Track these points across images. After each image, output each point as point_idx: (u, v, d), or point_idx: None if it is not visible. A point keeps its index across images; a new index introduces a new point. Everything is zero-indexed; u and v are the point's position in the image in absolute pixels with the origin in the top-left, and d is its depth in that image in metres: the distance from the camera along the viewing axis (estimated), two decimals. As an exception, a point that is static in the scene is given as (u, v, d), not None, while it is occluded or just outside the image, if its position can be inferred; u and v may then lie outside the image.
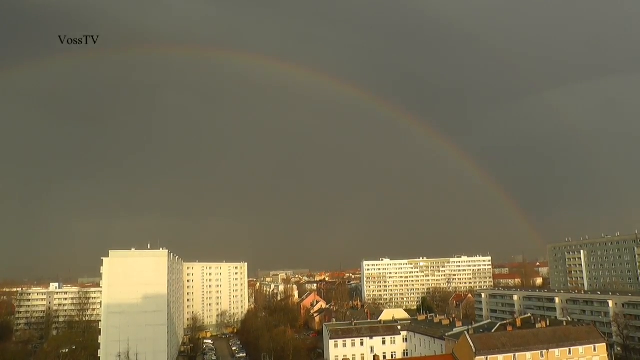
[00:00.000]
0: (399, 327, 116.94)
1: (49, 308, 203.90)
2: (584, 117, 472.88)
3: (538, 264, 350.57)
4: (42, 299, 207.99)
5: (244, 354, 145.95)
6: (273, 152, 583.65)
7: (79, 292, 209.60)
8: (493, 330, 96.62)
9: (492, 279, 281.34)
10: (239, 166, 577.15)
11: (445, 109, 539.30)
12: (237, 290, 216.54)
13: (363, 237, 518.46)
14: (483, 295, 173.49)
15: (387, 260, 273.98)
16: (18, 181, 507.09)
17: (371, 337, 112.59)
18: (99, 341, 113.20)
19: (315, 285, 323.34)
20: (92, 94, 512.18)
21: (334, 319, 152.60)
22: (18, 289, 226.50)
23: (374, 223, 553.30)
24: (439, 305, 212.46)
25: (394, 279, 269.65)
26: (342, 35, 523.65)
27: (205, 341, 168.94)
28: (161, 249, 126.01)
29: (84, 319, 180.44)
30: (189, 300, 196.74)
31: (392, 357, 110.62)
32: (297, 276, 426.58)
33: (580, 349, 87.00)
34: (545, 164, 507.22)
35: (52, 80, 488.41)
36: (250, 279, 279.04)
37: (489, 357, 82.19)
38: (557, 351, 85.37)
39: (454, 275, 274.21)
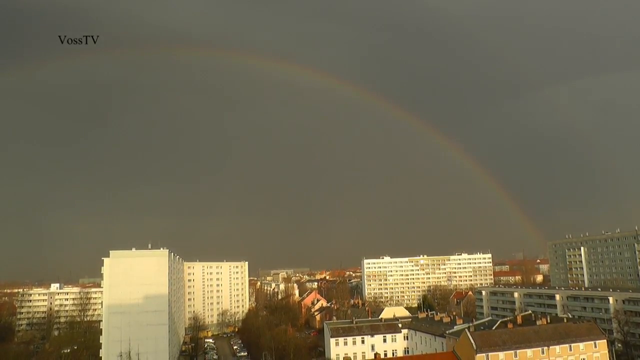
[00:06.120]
0: (400, 325, 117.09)
1: (50, 309, 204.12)
2: (584, 114, 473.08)
3: (538, 260, 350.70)
4: (43, 300, 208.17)
5: (245, 353, 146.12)
6: (273, 151, 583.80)
7: (79, 293, 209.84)
8: (494, 328, 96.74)
9: (492, 276, 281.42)
10: (239, 165, 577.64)
11: (445, 106, 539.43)
12: (237, 290, 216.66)
13: (363, 236, 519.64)
14: (483, 292, 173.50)
15: (387, 259, 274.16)
16: (18, 182, 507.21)
17: (372, 335, 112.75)
18: (101, 341, 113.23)
19: (315, 283, 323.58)
20: (92, 94, 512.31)
21: (334, 318, 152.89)
22: (19, 290, 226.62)
23: (374, 221, 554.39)
24: (440, 303, 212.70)
25: (394, 277, 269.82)
26: (344, 35, 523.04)
27: (206, 340, 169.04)
28: (162, 249, 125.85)
29: (85, 319, 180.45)
30: (189, 299, 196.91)
31: (393, 355, 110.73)
32: (297, 275, 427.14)
33: (581, 345, 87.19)
34: (545, 160, 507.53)
35: (52, 80, 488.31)
36: (251, 278, 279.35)
37: (489, 354, 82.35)
38: (557, 348, 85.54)
39: (455, 272, 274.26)
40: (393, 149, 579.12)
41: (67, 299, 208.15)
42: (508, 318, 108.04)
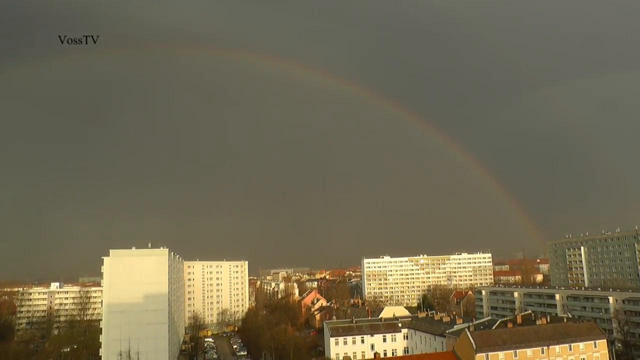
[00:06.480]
0: (400, 325, 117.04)
1: (50, 307, 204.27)
2: (585, 114, 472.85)
3: (538, 260, 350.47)
4: (43, 299, 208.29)
5: (245, 352, 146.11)
6: (273, 151, 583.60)
7: (79, 292, 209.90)
8: (494, 327, 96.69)
9: (492, 276, 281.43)
10: (239, 165, 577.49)
11: (445, 105, 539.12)
12: (237, 289, 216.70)
13: (363, 235, 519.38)
14: (483, 292, 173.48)
15: (387, 258, 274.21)
16: (18, 181, 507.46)
17: (372, 335, 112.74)
18: (100, 340, 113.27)
19: (315, 283, 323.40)
20: (92, 94, 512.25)
21: (334, 317, 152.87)
22: (19, 289, 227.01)
23: (374, 221, 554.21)
24: (440, 302, 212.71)
25: (394, 276, 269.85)
26: (345, 33, 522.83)
27: (206, 340, 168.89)
28: (162, 248, 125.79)
29: (85, 318, 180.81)
30: (189, 298, 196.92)
31: (392, 354, 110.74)
32: (297, 274, 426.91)
33: (581, 345, 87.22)
34: (546, 160, 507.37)
35: (52, 80, 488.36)
36: (251, 277, 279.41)
37: (489, 354, 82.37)
38: (557, 348, 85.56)
39: (454, 272, 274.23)
40: (393, 148, 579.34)
41: (67, 298, 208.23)
42: (508, 318, 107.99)
